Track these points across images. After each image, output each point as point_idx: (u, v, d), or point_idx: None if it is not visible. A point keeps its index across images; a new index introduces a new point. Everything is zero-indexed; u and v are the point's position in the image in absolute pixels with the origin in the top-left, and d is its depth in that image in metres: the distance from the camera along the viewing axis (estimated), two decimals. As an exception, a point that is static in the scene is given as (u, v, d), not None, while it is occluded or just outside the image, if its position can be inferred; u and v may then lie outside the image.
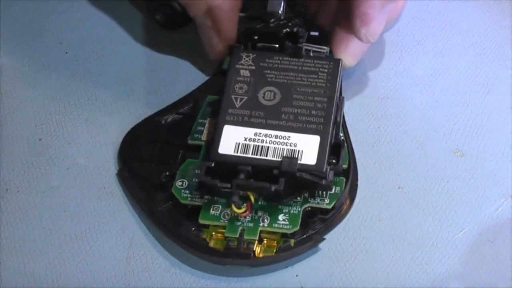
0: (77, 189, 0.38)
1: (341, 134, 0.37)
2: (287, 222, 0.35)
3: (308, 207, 0.35)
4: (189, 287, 0.35)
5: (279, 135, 0.35)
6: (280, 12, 0.39)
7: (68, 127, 0.40)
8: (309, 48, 0.38)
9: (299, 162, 0.34)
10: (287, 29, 0.39)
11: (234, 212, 0.34)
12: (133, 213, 0.37)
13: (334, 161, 0.35)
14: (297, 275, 0.35)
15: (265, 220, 0.35)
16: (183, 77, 0.42)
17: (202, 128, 0.37)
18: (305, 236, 0.35)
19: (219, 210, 0.35)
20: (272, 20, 0.39)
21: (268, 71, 0.37)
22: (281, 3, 0.39)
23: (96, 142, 0.40)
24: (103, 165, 0.39)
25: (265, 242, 0.35)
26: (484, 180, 0.37)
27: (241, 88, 0.36)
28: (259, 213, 0.35)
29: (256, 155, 0.34)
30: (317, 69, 0.37)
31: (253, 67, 0.37)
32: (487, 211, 0.36)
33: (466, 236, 0.36)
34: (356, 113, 0.40)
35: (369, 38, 0.38)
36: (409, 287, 0.34)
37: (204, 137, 0.37)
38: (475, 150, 0.39)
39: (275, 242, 0.35)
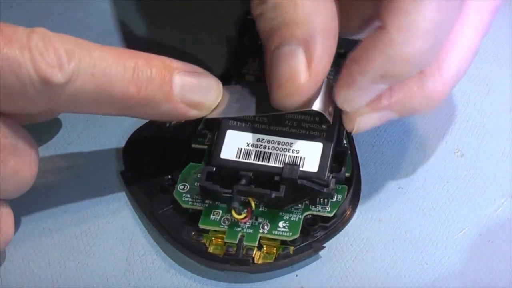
0: (77, 189, 0.38)
1: (345, 142, 0.37)
2: (287, 229, 0.34)
3: (309, 214, 0.35)
4: (189, 287, 0.35)
5: (281, 141, 0.35)
6: None
7: (68, 127, 0.40)
8: None
9: (300, 169, 0.34)
10: None
11: (234, 217, 0.34)
12: (133, 213, 0.37)
13: (336, 169, 0.35)
14: (296, 275, 0.35)
15: (265, 226, 0.35)
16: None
17: (206, 132, 0.37)
18: (304, 243, 0.35)
19: (220, 215, 0.35)
20: None
21: None
22: None
23: (96, 143, 0.40)
24: (103, 166, 0.39)
25: (264, 248, 0.35)
26: (484, 180, 0.37)
27: None
28: (260, 220, 0.35)
29: (258, 161, 0.34)
30: None
31: (258, 73, 0.37)
32: (487, 211, 0.36)
33: (466, 236, 0.36)
34: (356, 113, 0.40)
35: (344, 106, 0.33)
36: (409, 287, 0.34)
37: (207, 141, 0.37)
38: (475, 150, 0.39)
39: (275, 249, 0.35)
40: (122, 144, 0.39)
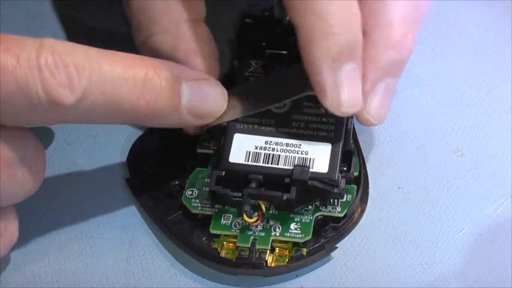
0: (77, 189, 0.38)
1: (351, 141, 0.37)
2: (299, 231, 0.34)
3: (320, 215, 0.35)
4: (189, 287, 0.35)
5: (290, 143, 0.35)
6: (288, 18, 0.39)
7: (68, 127, 0.40)
8: None
9: (310, 170, 0.34)
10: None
11: (246, 221, 0.34)
12: (133, 213, 0.37)
13: (345, 168, 0.35)
14: (297, 275, 0.35)
15: (277, 229, 0.34)
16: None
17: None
18: (317, 245, 0.35)
19: (230, 220, 0.35)
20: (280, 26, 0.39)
21: None
22: None
23: (96, 143, 0.40)
24: (103, 166, 0.39)
25: (277, 251, 0.35)
26: (484, 180, 0.37)
27: None
28: (271, 222, 0.35)
29: (267, 163, 0.34)
30: None
31: (262, 75, 0.37)
32: (487, 211, 0.36)
33: (466, 236, 0.36)
34: (356, 113, 0.40)
35: (342, 110, 0.33)
36: (409, 287, 0.34)
37: (212, 145, 0.37)
38: (475, 150, 0.39)
39: (287, 251, 0.35)
40: (122, 144, 0.39)
